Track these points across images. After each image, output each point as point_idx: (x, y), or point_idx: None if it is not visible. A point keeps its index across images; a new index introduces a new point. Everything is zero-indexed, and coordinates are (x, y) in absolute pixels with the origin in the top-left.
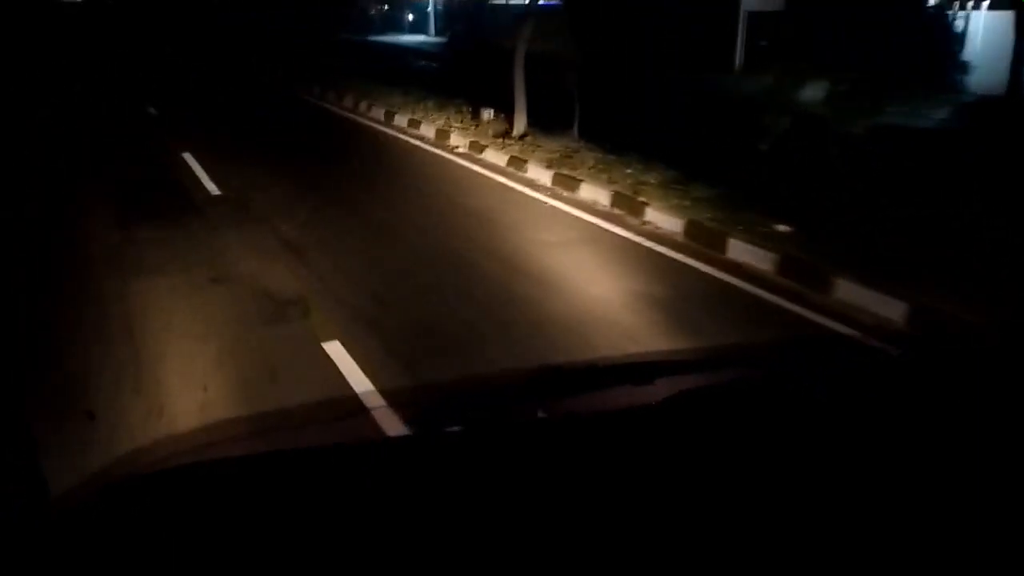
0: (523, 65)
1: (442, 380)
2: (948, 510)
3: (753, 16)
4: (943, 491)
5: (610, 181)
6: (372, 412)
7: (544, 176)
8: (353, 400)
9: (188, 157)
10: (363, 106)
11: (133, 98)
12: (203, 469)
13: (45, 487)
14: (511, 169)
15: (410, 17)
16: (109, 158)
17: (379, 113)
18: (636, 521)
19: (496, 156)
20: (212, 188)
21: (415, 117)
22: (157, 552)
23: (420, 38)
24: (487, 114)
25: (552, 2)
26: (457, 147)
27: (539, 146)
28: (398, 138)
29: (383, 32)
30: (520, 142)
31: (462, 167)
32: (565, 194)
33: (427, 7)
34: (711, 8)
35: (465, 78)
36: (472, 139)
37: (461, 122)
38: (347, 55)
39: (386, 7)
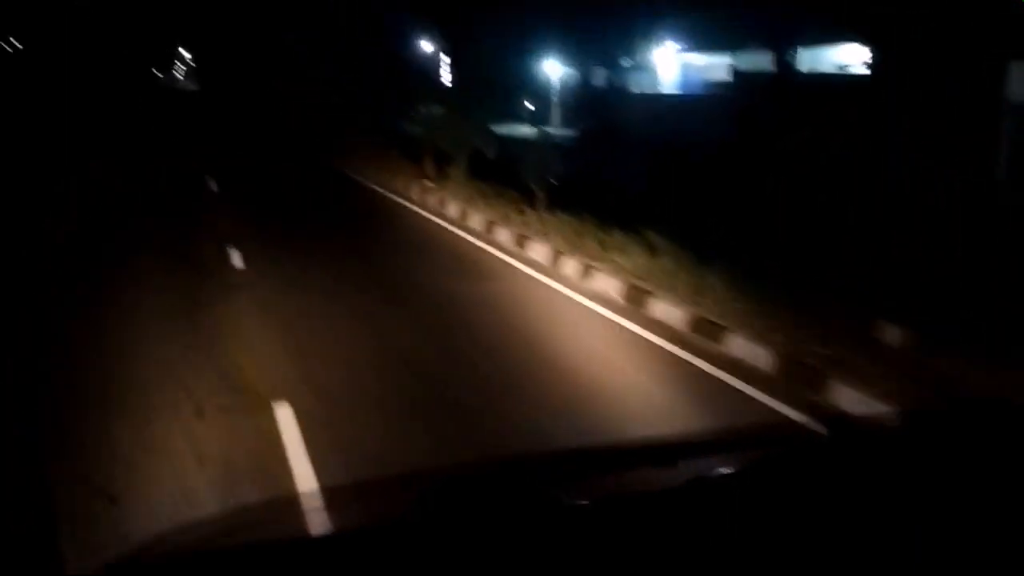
0: None
1: (461, 461)
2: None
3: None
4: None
5: None
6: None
7: None
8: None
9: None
10: (572, 267)
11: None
12: (212, 557)
13: (61, 564)
14: None
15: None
16: None
17: (611, 286)
18: None
19: None
20: None
21: (718, 320)
22: None
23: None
24: (894, 335)
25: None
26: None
27: None
28: (708, 374)
29: (498, 121)
30: None
31: None
32: None
33: (549, 95)
34: (945, 94)
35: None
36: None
37: (839, 345)
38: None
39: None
